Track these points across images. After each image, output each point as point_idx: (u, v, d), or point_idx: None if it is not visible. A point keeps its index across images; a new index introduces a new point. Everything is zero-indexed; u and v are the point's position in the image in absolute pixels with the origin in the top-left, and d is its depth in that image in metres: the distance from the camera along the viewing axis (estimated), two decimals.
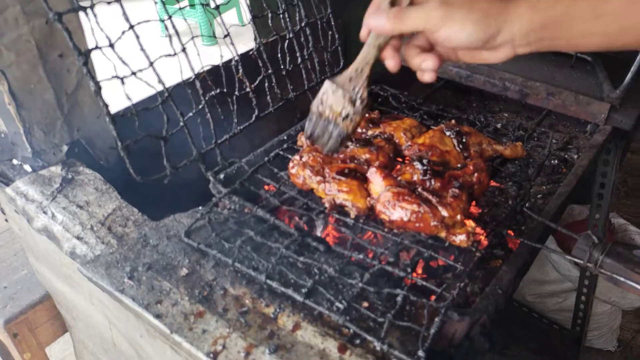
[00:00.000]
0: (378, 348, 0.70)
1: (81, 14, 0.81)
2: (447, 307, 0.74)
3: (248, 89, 1.07)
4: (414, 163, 0.91)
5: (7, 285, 1.39)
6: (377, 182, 0.87)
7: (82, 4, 0.80)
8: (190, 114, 0.95)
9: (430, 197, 0.84)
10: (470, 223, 0.86)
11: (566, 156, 1.30)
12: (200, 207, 0.95)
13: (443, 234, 0.83)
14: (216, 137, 1.00)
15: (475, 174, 0.91)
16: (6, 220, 1.21)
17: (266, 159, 1.06)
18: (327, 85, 0.83)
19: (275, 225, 0.91)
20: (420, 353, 0.69)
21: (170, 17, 0.94)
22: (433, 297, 0.79)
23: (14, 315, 1.33)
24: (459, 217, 0.82)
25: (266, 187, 1.04)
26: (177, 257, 0.85)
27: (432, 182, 0.87)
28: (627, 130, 1.24)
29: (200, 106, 0.97)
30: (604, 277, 0.84)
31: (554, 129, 1.40)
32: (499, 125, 1.36)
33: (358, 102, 0.82)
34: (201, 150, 0.97)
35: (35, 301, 1.36)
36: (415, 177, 0.89)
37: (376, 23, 0.74)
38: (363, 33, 0.79)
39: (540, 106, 1.32)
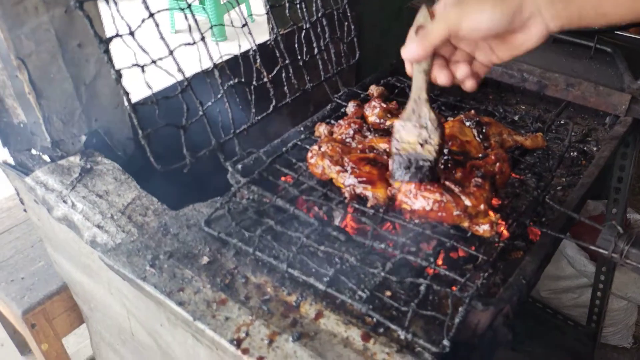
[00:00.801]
0: (402, 337, 0.70)
1: (100, 2, 0.81)
2: (472, 296, 0.74)
3: (265, 79, 1.06)
4: None
5: (25, 277, 1.40)
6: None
7: None
8: (210, 103, 0.95)
9: (452, 186, 0.83)
10: (492, 213, 0.86)
11: (585, 148, 1.28)
12: (218, 197, 0.95)
13: (466, 224, 0.82)
14: (234, 127, 1.00)
15: (497, 164, 0.90)
16: (25, 210, 1.21)
17: (284, 149, 1.06)
18: (396, 125, 0.84)
19: (295, 215, 0.90)
20: (445, 342, 0.68)
21: (189, 6, 0.93)
22: (455, 288, 0.78)
23: (32, 305, 1.34)
24: (482, 206, 0.81)
25: (283, 178, 1.03)
26: (197, 245, 0.85)
27: (454, 171, 0.86)
28: None
29: (220, 95, 0.97)
30: (630, 267, 0.83)
31: (572, 121, 1.38)
32: (516, 117, 1.35)
33: (429, 124, 0.81)
34: (220, 139, 0.97)
35: (52, 292, 1.37)
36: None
37: (409, 53, 0.75)
38: (408, 68, 0.80)
39: (559, 97, 1.30)
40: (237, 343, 0.70)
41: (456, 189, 0.83)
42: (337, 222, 1.01)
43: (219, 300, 0.76)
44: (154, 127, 0.85)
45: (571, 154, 1.26)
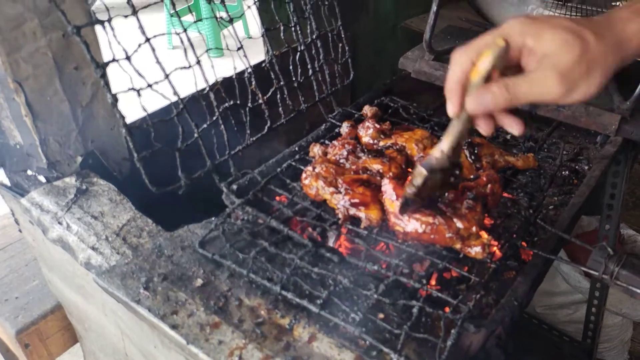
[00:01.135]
0: (394, 359, 0.70)
1: (98, 27, 0.82)
2: (464, 319, 0.74)
3: (260, 101, 1.08)
4: None
5: (19, 296, 1.40)
6: (390, 193, 0.88)
7: (97, 16, 0.82)
8: (205, 126, 0.96)
9: (445, 208, 0.84)
10: (484, 235, 0.87)
11: (577, 167, 1.30)
12: (213, 218, 0.96)
13: (458, 246, 0.83)
14: (229, 148, 1.01)
15: (489, 185, 0.91)
16: (20, 230, 1.21)
17: (279, 169, 1.07)
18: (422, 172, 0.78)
19: (289, 236, 0.91)
20: None
21: (185, 30, 0.95)
22: (447, 309, 0.79)
23: (26, 325, 1.33)
24: (474, 229, 0.82)
25: (278, 198, 1.04)
26: (191, 267, 0.86)
27: (446, 193, 0.87)
28: (638, 141, 1.24)
29: (215, 117, 0.98)
30: (620, 289, 0.83)
31: (564, 140, 1.40)
32: (508, 137, 1.36)
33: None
34: (214, 161, 0.98)
35: (46, 312, 1.36)
36: None
37: (483, 102, 0.65)
38: (454, 110, 0.70)
39: (550, 117, 1.32)
40: None
41: (448, 212, 0.84)
42: (331, 242, 1.02)
43: (213, 324, 0.76)
44: (150, 150, 0.86)
45: (563, 172, 1.28)
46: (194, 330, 0.75)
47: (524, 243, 0.94)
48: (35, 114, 1.01)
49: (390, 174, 0.94)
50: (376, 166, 0.97)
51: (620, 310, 1.92)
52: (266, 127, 1.10)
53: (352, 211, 0.88)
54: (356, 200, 0.88)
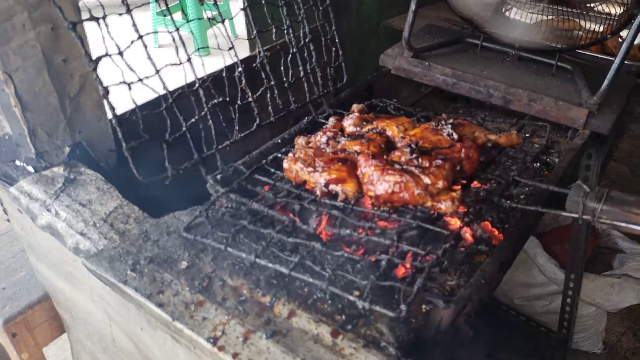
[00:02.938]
0: (360, 306, 0.74)
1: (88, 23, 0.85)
2: (432, 265, 0.77)
3: (250, 99, 1.10)
4: (404, 149, 0.95)
5: (6, 287, 1.41)
6: (364, 165, 0.91)
7: (85, 13, 0.85)
8: (193, 120, 1.00)
9: (413, 169, 0.87)
10: (455, 190, 0.88)
11: (548, 160, 1.36)
12: (198, 206, 0.99)
13: (428, 203, 0.86)
14: (217, 143, 1.04)
15: (463, 150, 0.94)
16: (8, 220, 1.24)
17: (264, 161, 1.10)
18: None
19: (269, 215, 0.94)
20: (402, 307, 0.73)
21: (177, 29, 0.98)
22: (409, 258, 0.82)
23: (13, 315, 1.35)
24: (440, 183, 0.85)
25: (266, 188, 1.08)
26: (177, 251, 0.89)
27: (420, 160, 0.91)
28: (605, 134, 1.30)
29: (203, 113, 1.01)
30: (605, 226, 0.81)
31: (536, 134, 1.46)
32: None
33: None
34: (202, 154, 1.01)
35: (33, 302, 1.38)
36: (403, 159, 0.92)
37: None
38: None
39: (522, 112, 1.38)
40: (214, 341, 0.74)
41: (416, 171, 0.87)
42: (312, 226, 1.05)
43: (197, 302, 0.80)
44: (138, 141, 0.89)
45: (534, 165, 1.34)
46: (179, 308, 0.79)
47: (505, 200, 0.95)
48: (24, 105, 1.04)
49: (368, 152, 0.97)
50: (355, 147, 0.99)
51: (593, 301, 1.99)
52: (255, 125, 1.13)
53: (330, 187, 0.91)
54: (333, 177, 0.91)
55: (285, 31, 1.19)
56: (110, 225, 0.96)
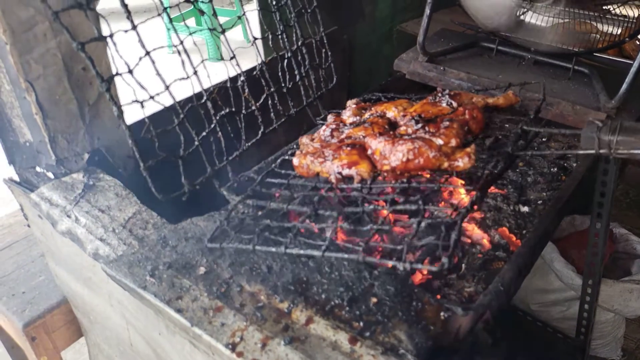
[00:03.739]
0: (401, 268, 0.74)
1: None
2: (464, 215, 0.76)
3: (254, 107, 1.11)
4: (409, 122, 0.95)
5: (26, 291, 1.44)
6: (374, 143, 0.91)
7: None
8: (204, 133, 1.00)
9: (423, 134, 0.87)
10: (469, 147, 0.86)
11: (565, 164, 1.35)
12: (215, 212, 1.00)
13: (446, 164, 0.84)
14: (227, 155, 1.04)
15: (467, 112, 0.93)
16: (28, 225, 1.26)
17: (273, 165, 1.10)
18: None
19: (290, 210, 0.93)
20: (444, 259, 0.71)
21: (182, 42, 0.98)
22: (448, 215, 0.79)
23: (32, 319, 1.37)
24: (453, 140, 0.85)
25: (280, 190, 1.08)
26: (195, 257, 0.90)
27: (427, 128, 0.90)
28: None
29: (213, 125, 1.02)
30: (624, 156, 0.76)
31: (553, 138, 1.45)
32: (500, 136, 1.41)
33: None
34: (214, 167, 1.01)
35: (52, 306, 1.40)
36: (410, 131, 0.91)
37: None
38: None
39: (540, 116, 1.37)
40: (232, 347, 0.75)
41: (426, 135, 0.86)
42: (328, 234, 1.05)
43: (216, 308, 0.81)
44: (155, 159, 0.88)
45: (552, 169, 1.32)
46: (198, 314, 0.80)
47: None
48: (45, 112, 1.05)
49: (374, 133, 0.95)
50: (360, 132, 0.98)
51: (611, 307, 1.96)
52: (260, 133, 1.13)
53: (344, 172, 0.90)
54: (345, 161, 0.90)
55: (280, 37, 1.19)
56: (129, 231, 0.97)
